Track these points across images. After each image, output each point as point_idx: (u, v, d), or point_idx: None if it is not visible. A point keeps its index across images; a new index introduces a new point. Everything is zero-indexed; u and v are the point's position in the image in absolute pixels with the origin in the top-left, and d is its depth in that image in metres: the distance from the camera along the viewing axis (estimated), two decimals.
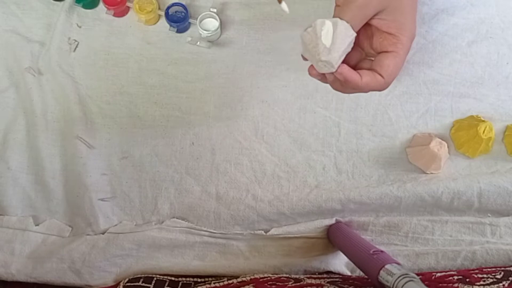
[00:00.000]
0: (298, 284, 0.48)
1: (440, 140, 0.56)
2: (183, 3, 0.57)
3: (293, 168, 0.58)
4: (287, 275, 0.53)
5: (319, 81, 0.45)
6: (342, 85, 0.44)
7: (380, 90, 0.44)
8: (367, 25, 0.43)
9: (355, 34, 0.41)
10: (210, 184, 0.57)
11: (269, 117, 0.58)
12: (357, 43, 0.44)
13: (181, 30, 0.59)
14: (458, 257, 0.57)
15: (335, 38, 0.40)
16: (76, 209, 0.56)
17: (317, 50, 0.41)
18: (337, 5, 0.45)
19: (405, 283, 0.39)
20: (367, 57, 0.46)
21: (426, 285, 0.38)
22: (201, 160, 0.57)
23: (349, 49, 0.42)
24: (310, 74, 0.44)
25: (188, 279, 0.55)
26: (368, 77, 0.42)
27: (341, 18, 0.41)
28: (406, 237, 0.57)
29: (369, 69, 0.44)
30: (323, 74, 0.43)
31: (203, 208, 0.57)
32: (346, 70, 0.41)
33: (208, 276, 0.55)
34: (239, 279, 0.51)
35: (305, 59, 0.45)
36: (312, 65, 0.43)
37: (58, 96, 0.57)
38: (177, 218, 0.56)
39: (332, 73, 0.42)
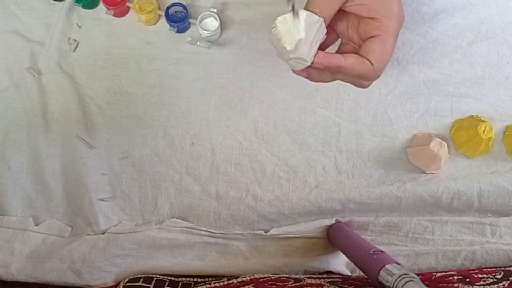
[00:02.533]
0: (298, 284, 0.48)
1: (440, 140, 0.56)
2: (183, 3, 0.57)
3: (293, 168, 0.58)
4: (287, 275, 0.53)
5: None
6: (320, 73, 0.42)
7: (370, 78, 0.41)
8: (348, 14, 0.42)
9: (321, 19, 0.39)
10: (210, 184, 0.57)
11: (269, 117, 0.58)
12: (345, 36, 0.42)
13: (181, 30, 0.59)
14: (458, 257, 0.57)
15: (299, 31, 0.38)
16: (76, 209, 0.56)
17: (284, 50, 0.39)
18: None
19: (405, 283, 0.39)
20: (350, 42, 0.45)
21: (426, 285, 0.38)
22: (201, 160, 0.57)
23: (321, 36, 0.40)
24: (295, 72, 0.42)
25: (188, 279, 0.55)
26: (353, 58, 0.40)
27: (308, 10, 0.39)
28: (406, 237, 0.57)
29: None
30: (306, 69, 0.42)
31: (203, 208, 0.57)
32: (322, 56, 0.39)
33: (208, 276, 0.55)
34: (239, 279, 0.51)
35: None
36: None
37: (58, 96, 0.57)
38: (177, 218, 0.56)
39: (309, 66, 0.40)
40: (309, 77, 0.43)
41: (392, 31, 0.40)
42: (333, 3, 0.39)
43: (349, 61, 0.40)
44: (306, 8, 0.40)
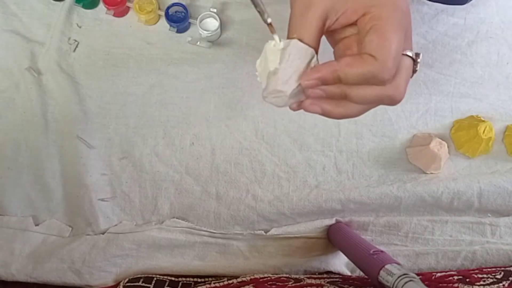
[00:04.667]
0: (298, 284, 0.49)
1: (440, 140, 0.56)
2: (183, 3, 0.57)
3: (293, 168, 0.58)
4: (287, 275, 0.53)
5: None
6: (336, 105, 0.34)
7: (379, 76, 0.31)
8: (345, 30, 0.34)
9: (313, 53, 0.33)
10: (210, 184, 0.57)
11: (269, 117, 0.58)
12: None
13: (181, 30, 0.59)
14: (458, 257, 0.57)
15: (269, 61, 0.33)
16: (76, 209, 0.56)
17: (275, 80, 0.32)
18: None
19: (405, 283, 0.39)
20: None
21: (426, 285, 0.38)
22: (201, 160, 0.57)
23: (306, 62, 0.33)
24: (308, 110, 0.35)
25: (188, 279, 0.55)
26: (348, 58, 0.32)
27: (297, 38, 0.33)
28: (406, 237, 0.57)
29: None
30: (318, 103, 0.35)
31: (203, 208, 0.57)
32: (309, 72, 0.33)
33: (208, 276, 0.55)
34: (239, 279, 0.51)
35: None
36: (310, 100, 0.35)
37: (58, 96, 0.57)
38: (177, 218, 0.56)
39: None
40: (326, 113, 0.35)
41: (387, 18, 0.32)
42: (310, 23, 0.33)
43: (344, 61, 0.32)
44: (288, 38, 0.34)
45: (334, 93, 0.34)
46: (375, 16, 0.32)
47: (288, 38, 0.34)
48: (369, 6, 0.33)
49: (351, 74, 0.32)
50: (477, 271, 0.52)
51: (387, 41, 0.31)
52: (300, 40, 0.33)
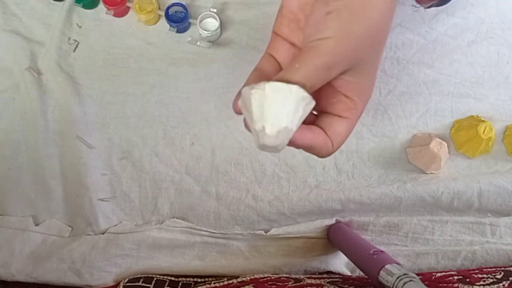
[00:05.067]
0: (298, 284, 0.49)
1: (440, 140, 0.56)
2: (183, 3, 0.57)
3: (293, 168, 0.58)
4: (287, 275, 0.53)
5: None
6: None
7: (322, 157, 0.37)
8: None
9: (311, 98, 0.31)
10: (210, 184, 0.57)
11: None
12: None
13: (181, 30, 0.59)
14: (458, 257, 0.57)
15: (288, 115, 0.29)
16: (76, 209, 0.56)
17: (259, 129, 0.29)
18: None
19: (405, 283, 0.39)
20: None
21: (426, 285, 0.38)
22: (201, 160, 0.57)
23: (305, 116, 0.31)
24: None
25: (188, 279, 0.55)
26: (322, 139, 0.35)
27: (295, 82, 0.30)
28: (406, 237, 0.57)
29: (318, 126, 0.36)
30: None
31: (203, 208, 0.57)
32: (297, 136, 0.32)
33: (208, 276, 0.55)
34: (239, 279, 0.51)
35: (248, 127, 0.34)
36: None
37: (58, 96, 0.57)
38: (177, 218, 0.56)
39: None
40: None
41: (360, 114, 0.37)
42: (324, 77, 0.33)
43: (319, 141, 0.35)
44: (291, 79, 0.31)
45: None
46: (355, 111, 0.36)
47: (296, 80, 0.31)
48: (358, 97, 0.36)
49: (314, 150, 0.36)
50: (477, 271, 0.52)
51: (346, 138, 0.38)
52: (311, 88, 0.32)
